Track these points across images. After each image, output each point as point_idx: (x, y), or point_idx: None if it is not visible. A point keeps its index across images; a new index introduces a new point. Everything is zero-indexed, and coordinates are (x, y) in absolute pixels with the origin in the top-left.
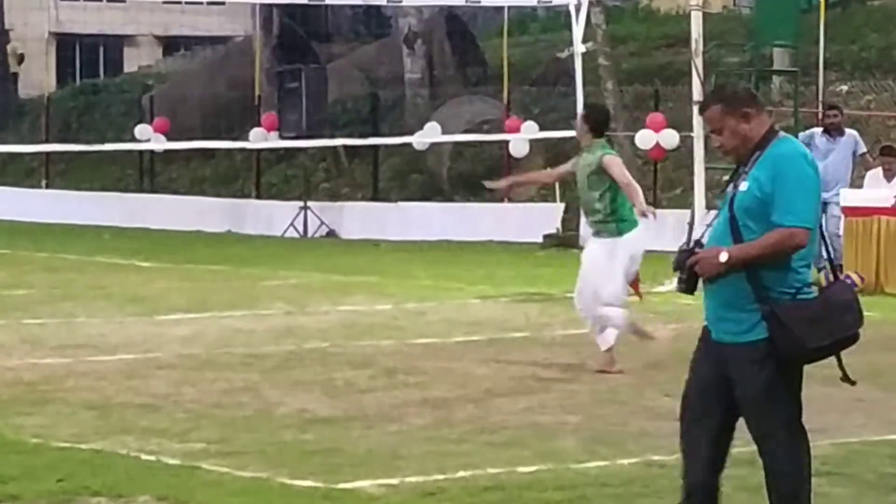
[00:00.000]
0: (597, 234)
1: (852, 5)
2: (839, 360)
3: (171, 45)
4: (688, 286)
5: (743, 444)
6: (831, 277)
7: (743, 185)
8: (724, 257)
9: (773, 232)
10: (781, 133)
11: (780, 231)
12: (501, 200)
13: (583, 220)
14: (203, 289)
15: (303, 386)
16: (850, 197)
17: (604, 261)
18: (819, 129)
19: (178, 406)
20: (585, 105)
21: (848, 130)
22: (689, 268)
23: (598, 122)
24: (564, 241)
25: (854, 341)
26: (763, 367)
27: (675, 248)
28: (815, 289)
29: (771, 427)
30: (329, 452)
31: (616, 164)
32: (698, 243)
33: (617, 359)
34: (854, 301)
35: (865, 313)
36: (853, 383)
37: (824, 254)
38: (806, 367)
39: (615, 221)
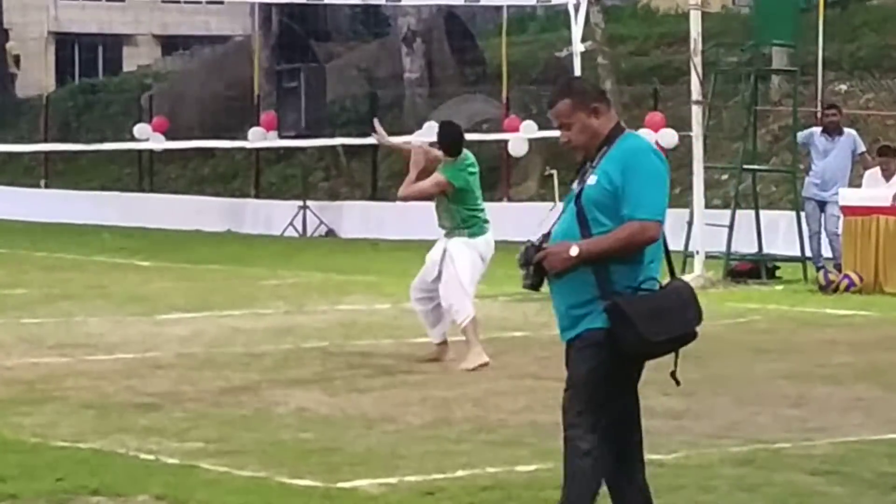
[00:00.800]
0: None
1: (851, 5)
2: (676, 357)
3: (170, 44)
4: (534, 282)
5: (740, 442)
6: (831, 276)
7: (591, 179)
8: (574, 251)
9: (625, 225)
10: (628, 130)
11: (631, 224)
12: (500, 200)
13: None
14: (202, 288)
15: (301, 385)
16: (848, 196)
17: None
18: (818, 129)
19: (177, 405)
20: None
21: (847, 130)
22: (536, 263)
23: (451, 145)
24: None
25: (693, 338)
26: (590, 354)
27: (675, 248)
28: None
29: (581, 420)
30: (328, 451)
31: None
32: (545, 238)
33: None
34: (694, 298)
35: (864, 313)
36: (678, 383)
37: (825, 252)
38: (805, 367)
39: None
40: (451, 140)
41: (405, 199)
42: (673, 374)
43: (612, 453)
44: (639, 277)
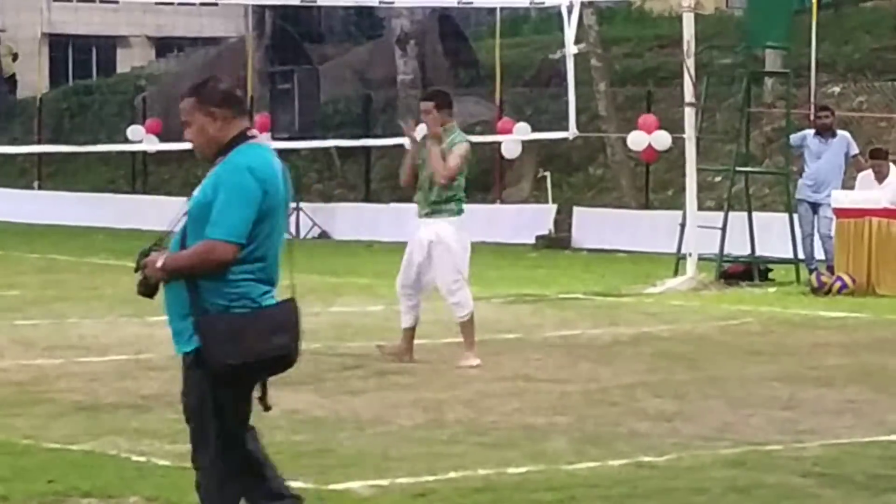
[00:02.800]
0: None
1: (844, 7)
2: (264, 383)
3: (163, 46)
4: (145, 289)
5: (732, 444)
6: (823, 279)
7: (197, 191)
8: (160, 263)
9: (201, 243)
10: (253, 142)
11: (204, 243)
12: (493, 202)
13: (575, 220)
14: None
15: (294, 387)
16: (841, 198)
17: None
18: (811, 131)
19: (170, 407)
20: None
21: (840, 132)
22: (142, 270)
23: (451, 103)
24: (556, 243)
25: (287, 364)
26: (195, 378)
27: (668, 250)
28: (277, 299)
29: (198, 442)
30: (320, 453)
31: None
32: (157, 244)
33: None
34: (294, 324)
35: (857, 315)
36: (267, 409)
37: (817, 255)
38: (797, 370)
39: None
40: (449, 98)
41: (450, 178)
42: (261, 400)
43: (241, 471)
44: (230, 296)
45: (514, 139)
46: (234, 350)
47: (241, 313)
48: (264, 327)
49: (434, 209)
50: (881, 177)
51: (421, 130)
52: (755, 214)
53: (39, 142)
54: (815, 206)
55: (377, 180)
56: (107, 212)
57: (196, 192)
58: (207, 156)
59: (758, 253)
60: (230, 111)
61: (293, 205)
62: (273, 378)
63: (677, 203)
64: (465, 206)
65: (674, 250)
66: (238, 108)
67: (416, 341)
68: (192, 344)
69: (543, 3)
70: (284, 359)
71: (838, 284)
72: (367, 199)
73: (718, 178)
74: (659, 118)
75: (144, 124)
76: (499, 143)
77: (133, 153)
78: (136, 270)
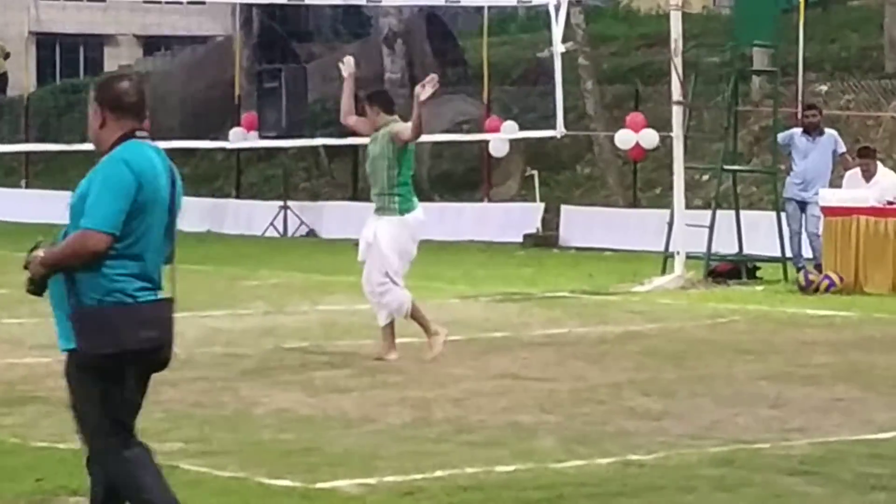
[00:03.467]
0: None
1: (832, 5)
2: (141, 380)
3: (151, 44)
4: (32, 287)
5: (720, 443)
6: (811, 277)
7: (80, 184)
8: (38, 258)
9: (73, 234)
10: (140, 140)
11: (76, 234)
12: (480, 200)
13: (562, 219)
14: (182, 288)
15: (282, 385)
16: (829, 197)
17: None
18: (798, 129)
19: (157, 405)
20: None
21: (828, 130)
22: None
23: (389, 101)
24: (544, 241)
25: (160, 361)
26: (76, 371)
27: (656, 249)
28: (161, 294)
29: (86, 436)
30: (307, 452)
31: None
32: (42, 240)
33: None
34: (165, 321)
35: (845, 313)
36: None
37: (805, 253)
38: (784, 368)
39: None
40: (388, 97)
41: (419, 133)
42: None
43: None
44: (104, 289)
45: (501, 138)
46: (104, 341)
47: (113, 305)
48: (134, 320)
49: (378, 207)
50: (869, 175)
51: (349, 65)
52: (743, 213)
53: (27, 140)
54: (802, 205)
55: (365, 179)
56: None
57: (79, 186)
58: (100, 150)
59: (745, 251)
60: (119, 112)
61: (280, 203)
62: (260, 377)
63: (665, 201)
64: (416, 205)
65: (661, 249)
66: (128, 110)
67: (404, 340)
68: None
69: (531, 1)
70: (154, 353)
71: (826, 283)
72: (354, 198)
73: (706, 177)
74: (646, 117)
75: None
76: (486, 142)
77: None
78: (25, 268)
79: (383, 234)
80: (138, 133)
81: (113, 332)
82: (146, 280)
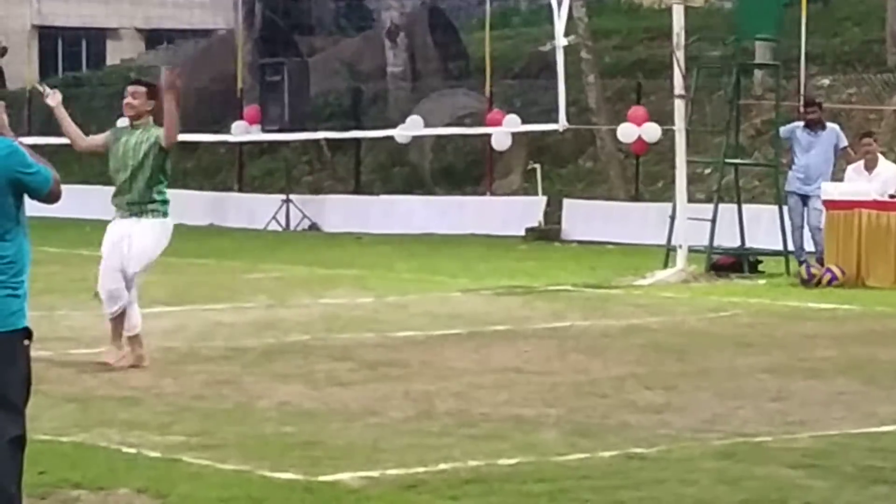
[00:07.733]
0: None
1: None
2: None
3: (153, 38)
4: None
5: (722, 436)
6: (813, 270)
7: None
8: None
9: None
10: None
11: None
12: (483, 194)
13: (564, 212)
14: (185, 282)
15: (284, 379)
16: (831, 190)
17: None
18: (800, 123)
19: (160, 399)
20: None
21: (829, 125)
22: None
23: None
24: (546, 235)
25: None
26: (27, 352)
27: (658, 242)
28: None
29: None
30: (310, 445)
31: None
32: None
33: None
34: None
35: (847, 306)
36: None
37: (807, 246)
38: (787, 361)
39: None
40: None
41: (174, 140)
42: None
43: None
44: None
45: (503, 131)
46: None
47: None
48: None
49: (137, 207)
50: (871, 162)
51: (53, 97)
52: (745, 206)
53: (29, 134)
54: (804, 198)
55: (367, 172)
56: (95, 204)
57: None
58: None
59: (747, 245)
60: None
61: (283, 197)
62: (262, 370)
63: (667, 195)
64: (169, 210)
65: (663, 242)
66: None
67: (406, 333)
68: (23, 321)
69: None
70: None
71: (828, 276)
72: (356, 192)
73: (708, 171)
74: (649, 110)
75: None
76: (489, 136)
77: None
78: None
79: (146, 235)
80: None
81: None
82: None
